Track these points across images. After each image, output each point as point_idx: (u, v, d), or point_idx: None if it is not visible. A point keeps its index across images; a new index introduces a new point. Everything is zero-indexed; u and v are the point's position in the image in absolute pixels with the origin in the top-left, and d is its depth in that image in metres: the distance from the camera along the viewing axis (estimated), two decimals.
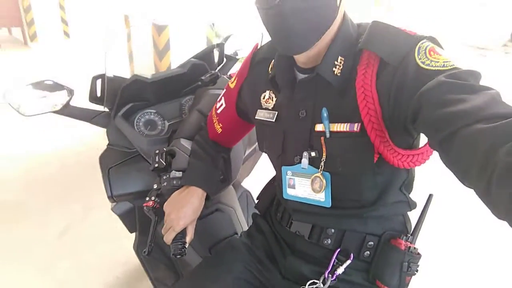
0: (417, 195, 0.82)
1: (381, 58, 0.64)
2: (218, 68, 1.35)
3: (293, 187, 0.79)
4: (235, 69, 1.43)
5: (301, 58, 0.73)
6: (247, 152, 1.27)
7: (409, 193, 0.80)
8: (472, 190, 0.47)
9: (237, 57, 1.43)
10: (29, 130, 3.16)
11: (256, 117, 0.85)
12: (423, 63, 0.59)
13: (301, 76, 0.75)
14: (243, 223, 1.28)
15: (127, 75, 1.20)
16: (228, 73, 1.38)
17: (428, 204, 0.81)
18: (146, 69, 3.17)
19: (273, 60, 0.80)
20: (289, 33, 0.64)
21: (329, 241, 0.78)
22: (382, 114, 0.65)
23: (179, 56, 3.04)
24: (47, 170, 2.65)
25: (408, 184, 0.78)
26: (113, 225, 2.11)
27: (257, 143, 1.30)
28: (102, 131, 1.19)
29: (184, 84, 1.23)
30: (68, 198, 2.37)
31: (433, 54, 0.60)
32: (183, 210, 0.85)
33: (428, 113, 0.54)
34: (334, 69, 0.68)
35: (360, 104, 0.65)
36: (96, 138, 3.05)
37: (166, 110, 1.24)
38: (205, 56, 1.28)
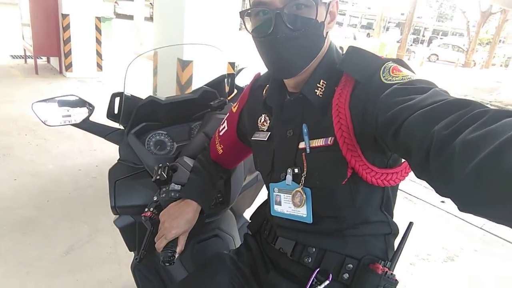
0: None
1: (355, 79, 0.70)
2: (229, 98, 1.43)
3: (279, 203, 0.83)
4: None
5: (291, 83, 0.80)
6: (248, 179, 1.30)
7: (391, 215, 0.82)
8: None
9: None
10: (51, 154, 3.32)
11: (252, 138, 0.91)
12: (386, 79, 0.65)
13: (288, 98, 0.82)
14: None
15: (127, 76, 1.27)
16: None
17: (408, 231, 0.82)
18: None
19: (267, 85, 0.87)
20: (280, 59, 0.71)
21: (310, 260, 0.80)
22: (353, 130, 0.69)
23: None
24: (62, 191, 2.74)
25: (386, 204, 0.80)
26: (116, 250, 2.15)
27: (258, 173, 1.35)
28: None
29: (194, 109, 1.31)
30: (78, 219, 2.43)
31: (395, 72, 0.65)
32: (177, 220, 0.89)
33: (383, 116, 0.58)
34: (316, 90, 0.74)
35: (334, 120, 0.71)
36: (111, 165, 3.15)
37: (176, 132, 1.31)
38: (217, 84, 1.36)
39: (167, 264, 0.86)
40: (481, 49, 24.31)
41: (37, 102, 1.14)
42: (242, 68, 1.47)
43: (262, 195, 1.27)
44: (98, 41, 5.96)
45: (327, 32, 0.74)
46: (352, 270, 0.78)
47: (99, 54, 6.04)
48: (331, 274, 0.78)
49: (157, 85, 3.60)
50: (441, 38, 28.48)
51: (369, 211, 0.78)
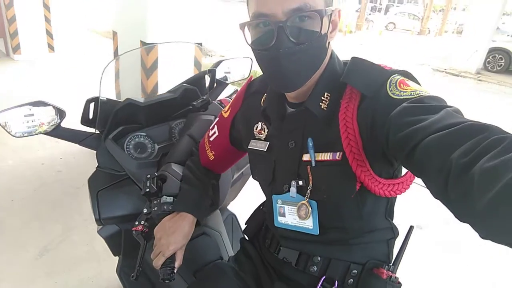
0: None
1: (361, 93, 0.69)
2: (209, 93, 1.38)
3: (283, 215, 0.82)
4: (224, 93, 1.46)
5: (291, 94, 0.77)
6: (235, 176, 1.29)
7: (392, 219, 0.84)
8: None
9: (226, 81, 1.47)
10: (8, 147, 3.09)
11: (249, 147, 0.88)
12: (393, 94, 0.64)
13: (290, 110, 0.80)
14: (228, 247, 1.29)
15: (112, 92, 1.21)
16: (218, 98, 1.41)
17: (409, 235, 0.85)
18: (133, 88, 3.16)
19: (265, 94, 0.84)
20: (283, 73, 0.68)
21: (315, 269, 0.81)
22: (362, 145, 0.69)
23: (166, 75, 3.06)
24: (26, 188, 2.58)
25: (390, 211, 0.82)
26: (94, 247, 2.08)
27: (244, 168, 1.33)
28: (82, 150, 1.19)
29: (175, 108, 1.26)
30: (47, 217, 2.31)
31: (403, 86, 0.65)
32: (174, 235, 0.86)
33: (394, 136, 0.58)
34: (320, 103, 0.73)
35: (342, 135, 0.69)
36: (76, 156, 3.02)
37: (156, 133, 1.25)
38: (197, 81, 1.31)
39: (167, 281, 0.84)
40: (435, 16, 25.06)
41: (1, 111, 1.04)
42: (221, 61, 1.41)
43: (254, 195, 1.25)
44: (47, 19, 5.51)
45: (329, 42, 0.72)
46: (356, 275, 0.79)
47: (49, 34, 5.60)
48: (336, 281, 0.79)
49: (120, 70, 3.40)
50: (397, 6, 28.97)
51: (375, 220, 0.79)
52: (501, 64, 10.28)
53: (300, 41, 0.65)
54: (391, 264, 0.82)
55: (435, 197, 0.51)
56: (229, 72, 1.50)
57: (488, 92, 8.23)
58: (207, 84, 1.35)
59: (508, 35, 11.53)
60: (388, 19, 22.97)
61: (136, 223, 0.95)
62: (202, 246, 1.16)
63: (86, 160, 2.92)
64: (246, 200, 1.58)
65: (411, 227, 0.85)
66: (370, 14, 24.56)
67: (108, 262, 1.96)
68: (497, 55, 10.30)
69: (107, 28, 8.38)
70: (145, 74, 3.04)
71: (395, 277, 0.80)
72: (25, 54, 5.42)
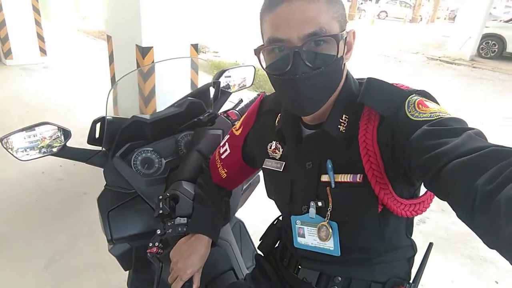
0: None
1: (380, 114, 0.68)
2: (213, 104, 1.37)
3: (303, 236, 0.81)
4: (228, 103, 1.45)
5: (308, 116, 0.76)
6: (243, 187, 1.28)
7: (411, 236, 0.84)
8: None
9: (229, 90, 1.45)
10: (6, 158, 3.06)
11: (264, 166, 0.87)
12: (412, 115, 0.64)
13: (307, 131, 0.79)
14: (238, 256, 1.29)
15: (109, 98, 1.18)
16: (222, 108, 1.40)
17: (429, 252, 0.85)
18: (130, 92, 3.13)
19: (279, 114, 0.83)
20: (299, 97, 0.67)
21: None
22: (384, 167, 0.68)
23: (163, 78, 3.03)
24: (28, 198, 2.56)
25: (409, 228, 0.82)
26: (100, 257, 2.07)
27: (252, 179, 1.32)
28: None
29: (181, 122, 1.25)
30: (52, 227, 2.30)
31: (421, 107, 0.64)
32: (190, 259, 0.86)
33: (416, 159, 0.58)
34: (339, 126, 0.72)
35: (363, 158, 0.69)
36: (76, 164, 2.97)
37: (162, 147, 1.24)
38: (201, 94, 1.29)
39: None
40: (427, 3, 24.97)
41: (6, 136, 1.02)
42: (224, 70, 1.40)
43: (267, 206, 1.25)
44: (38, 23, 5.43)
45: (344, 64, 0.71)
46: None
47: (40, 37, 5.52)
48: None
49: (115, 74, 3.37)
50: None
51: (397, 239, 0.80)
52: (495, 50, 10.31)
53: (316, 66, 0.64)
54: (411, 282, 0.82)
55: (462, 221, 0.51)
56: (230, 77, 1.49)
57: (482, 79, 8.26)
58: (211, 96, 1.33)
59: (500, 20, 11.53)
60: (380, 8, 22.93)
61: (150, 244, 0.94)
62: (213, 257, 1.16)
63: (86, 167, 2.90)
64: (253, 205, 1.58)
65: (431, 244, 0.85)
66: (362, 3, 24.45)
67: (115, 272, 1.96)
68: (490, 41, 10.32)
69: (97, 28, 8.29)
70: (142, 78, 3.01)
71: None
72: (17, 59, 5.35)
